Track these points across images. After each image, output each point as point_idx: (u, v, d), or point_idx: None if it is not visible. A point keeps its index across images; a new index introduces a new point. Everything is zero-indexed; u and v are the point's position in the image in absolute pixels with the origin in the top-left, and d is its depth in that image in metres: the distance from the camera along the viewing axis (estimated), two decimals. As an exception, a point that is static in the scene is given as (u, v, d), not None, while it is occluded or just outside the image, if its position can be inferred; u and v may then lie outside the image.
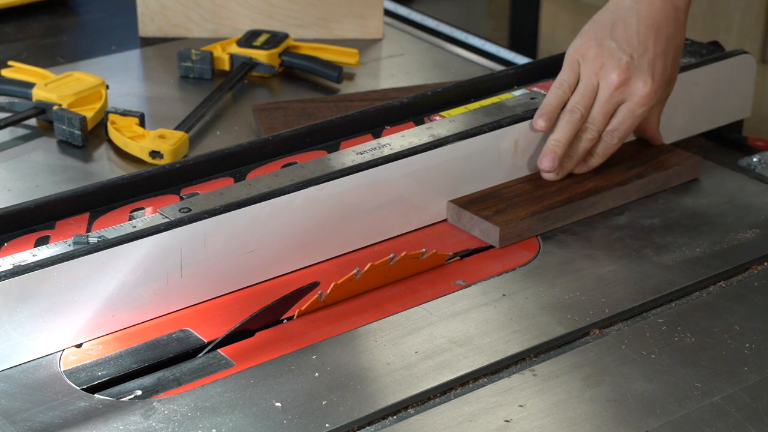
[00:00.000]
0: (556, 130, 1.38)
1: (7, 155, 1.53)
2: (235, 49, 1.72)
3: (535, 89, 1.48)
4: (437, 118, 1.42)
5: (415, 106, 1.45)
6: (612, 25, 1.39)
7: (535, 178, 1.40)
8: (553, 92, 1.39)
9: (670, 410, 1.08)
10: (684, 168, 1.43)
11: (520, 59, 1.81)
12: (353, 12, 1.83)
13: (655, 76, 1.37)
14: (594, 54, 1.38)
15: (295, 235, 1.26)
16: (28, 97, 1.60)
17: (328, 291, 1.20)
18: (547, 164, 1.37)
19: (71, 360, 1.14)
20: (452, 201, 1.35)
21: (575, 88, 1.39)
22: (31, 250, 1.16)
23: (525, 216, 1.32)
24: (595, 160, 1.40)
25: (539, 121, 1.38)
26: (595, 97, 1.38)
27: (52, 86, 1.59)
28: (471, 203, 1.35)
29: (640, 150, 1.45)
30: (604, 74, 1.37)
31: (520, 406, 1.09)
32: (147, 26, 1.84)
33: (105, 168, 1.50)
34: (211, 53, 1.72)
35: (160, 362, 1.15)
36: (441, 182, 1.35)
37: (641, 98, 1.37)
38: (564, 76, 1.40)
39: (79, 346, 1.16)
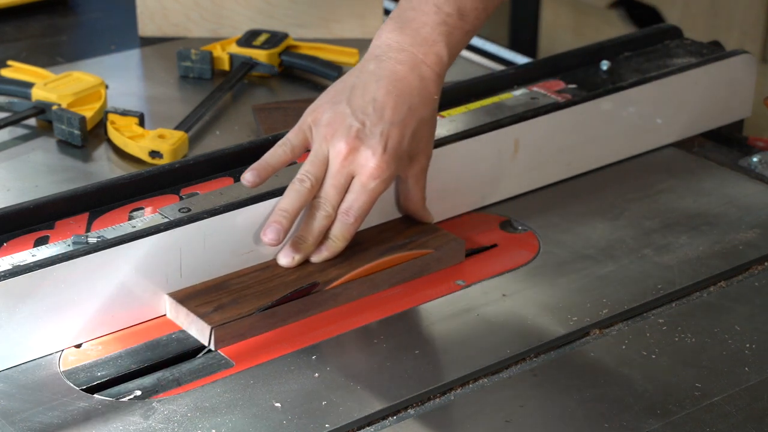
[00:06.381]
0: (283, 199, 1.23)
1: (7, 155, 1.53)
2: (235, 49, 1.72)
3: (535, 89, 1.48)
4: (437, 118, 1.42)
5: (414, 106, 1.44)
6: (352, 88, 1.26)
7: (273, 265, 1.24)
8: (273, 150, 1.26)
9: (671, 410, 1.08)
10: (445, 253, 1.28)
11: (520, 59, 1.81)
12: (353, 12, 1.83)
13: (387, 147, 1.23)
14: (327, 119, 1.25)
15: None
16: (28, 97, 1.60)
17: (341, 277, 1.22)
18: (270, 236, 1.21)
19: (71, 360, 1.14)
20: (170, 294, 1.19)
21: (299, 152, 1.26)
22: (30, 250, 1.16)
23: (248, 312, 1.17)
24: (335, 244, 1.24)
25: (247, 175, 1.23)
26: (327, 168, 1.24)
27: (52, 86, 1.59)
28: (192, 296, 1.19)
29: (403, 230, 1.31)
30: (333, 142, 1.24)
31: (520, 406, 1.09)
32: (147, 26, 1.84)
33: (104, 168, 1.50)
34: (211, 53, 1.72)
35: (159, 362, 1.15)
36: (440, 181, 1.35)
37: (371, 170, 1.23)
38: (290, 135, 1.27)
39: (78, 346, 1.16)
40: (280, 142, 1.26)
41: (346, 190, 1.24)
